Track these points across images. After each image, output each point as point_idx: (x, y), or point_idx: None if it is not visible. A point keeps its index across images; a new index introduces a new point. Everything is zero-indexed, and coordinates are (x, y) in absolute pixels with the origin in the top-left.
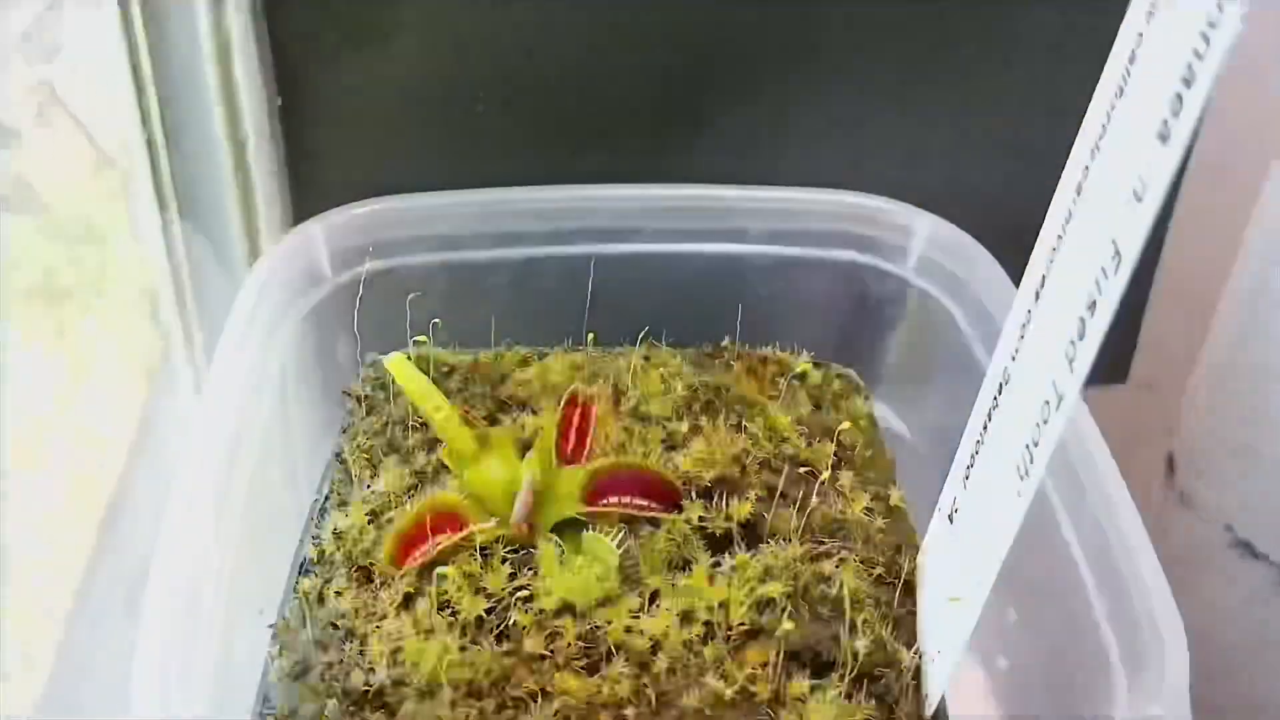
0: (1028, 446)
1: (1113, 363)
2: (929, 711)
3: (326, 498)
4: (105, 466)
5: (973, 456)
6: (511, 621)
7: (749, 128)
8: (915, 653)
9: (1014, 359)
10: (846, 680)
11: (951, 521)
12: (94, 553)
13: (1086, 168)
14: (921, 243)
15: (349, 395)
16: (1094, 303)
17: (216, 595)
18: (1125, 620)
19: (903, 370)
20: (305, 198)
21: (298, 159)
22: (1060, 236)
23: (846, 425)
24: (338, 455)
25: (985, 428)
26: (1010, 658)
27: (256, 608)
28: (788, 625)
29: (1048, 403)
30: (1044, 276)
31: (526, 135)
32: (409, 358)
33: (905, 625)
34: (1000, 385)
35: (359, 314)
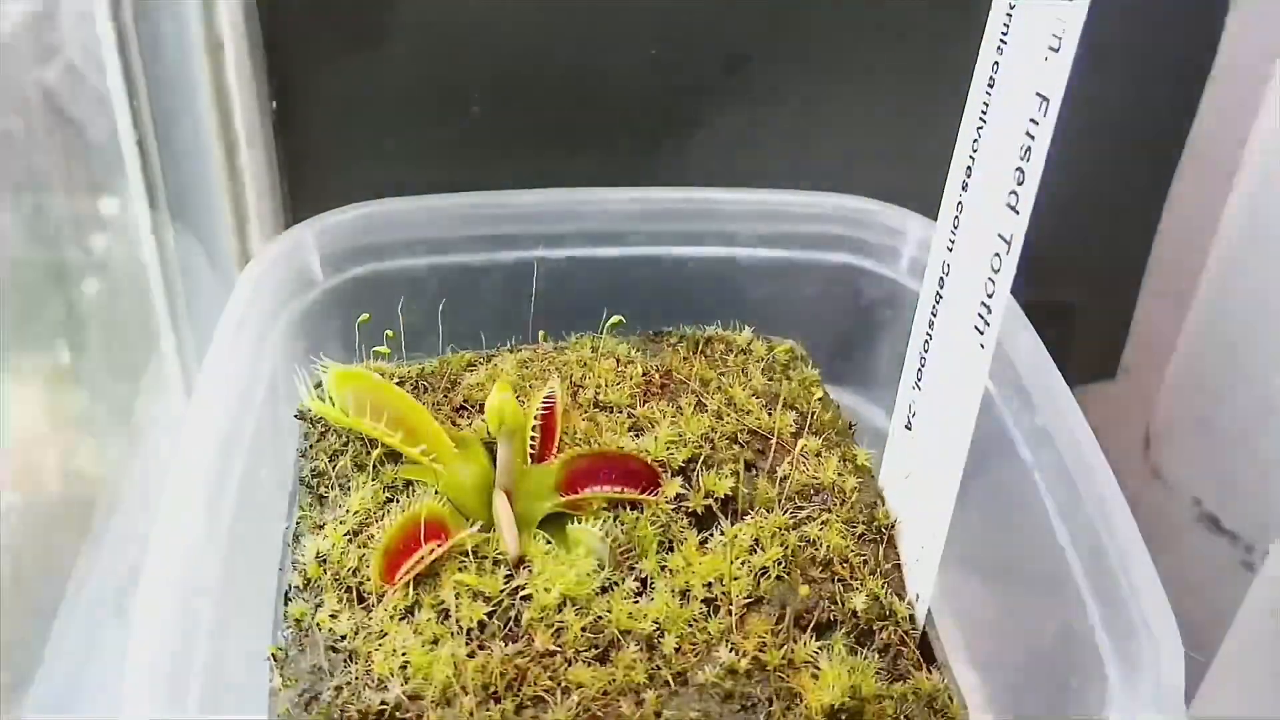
0: (983, 303)
1: (1101, 358)
2: (920, 615)
3: (298, 522)
4: (95, 467)
5: (922, 357)
6: (515, 621)
7: (742, 130)
8: (908, 603)
9: (950, 249)
10: (850, 637)
11: (910, 427)
12: (86, 555)
13: (1002, 37)
14: (914, 245)
15: (302, 418)
16: (1028, 149)
17: (208, 600)
18: (1120, 626)
19: (896, 372)
20: (300, 200)
21: (292, 161)
22: (984, 108)
23: (820, 395)
24: (301, 479)
25: (931, 324)
26: (1006, 663)
27: (249, 616)
28: (803, 590)
29: (997, 254)
30: (970, 158)
31: (520, 137)
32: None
33: (894, 578)
34: (940, 279)
35: (347, 319)
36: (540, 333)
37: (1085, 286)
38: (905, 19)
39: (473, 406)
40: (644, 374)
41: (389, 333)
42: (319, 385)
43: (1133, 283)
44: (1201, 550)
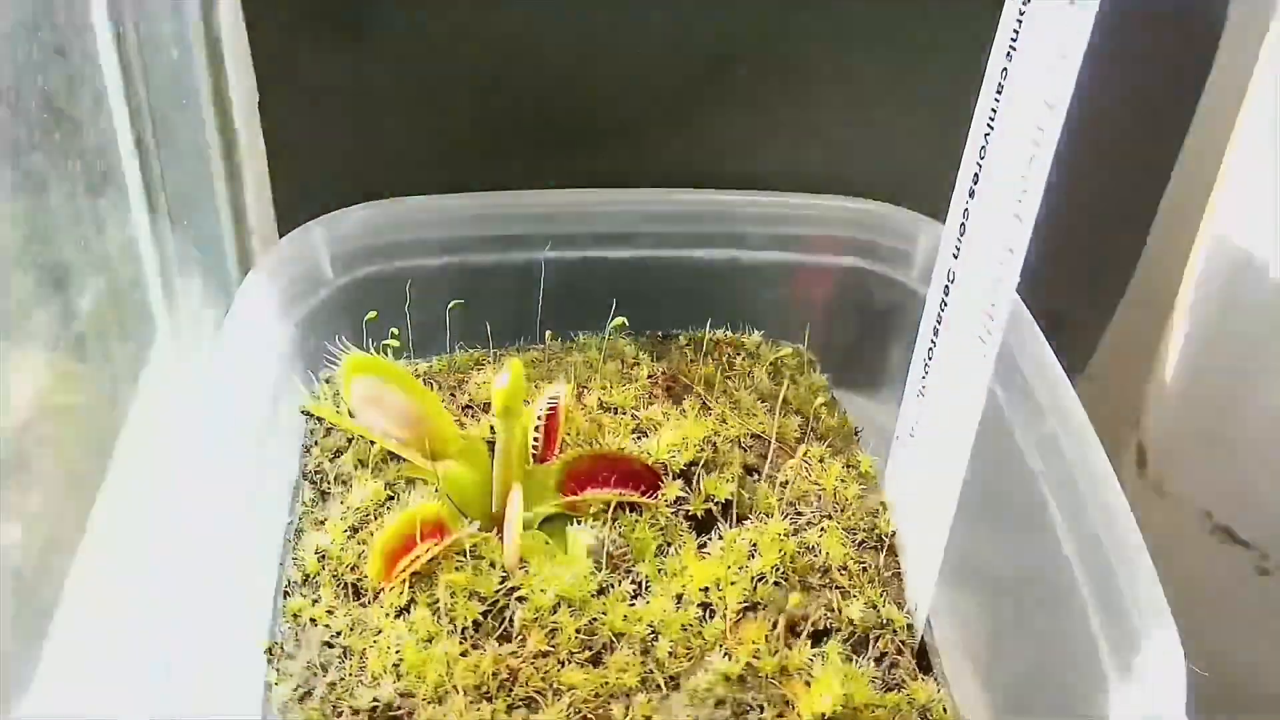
0: (986, 313)
1: (1075, 359)
2: (919, 624)
3: (301, 518)
4: (94, 468)
5: (926, 365)
6: (510, 621)
7: (745, 131)
8: (906, 612)
9: (956, 256)
10: (846, 645)
11: (913, 435)
12: (84, 554)
13: (1012, 43)
14: (925, 249)
15: (309, 415)
16: (1033, 157)
17: (208, 598)
18: (1123, 637)
19: (906, 378)
20: (286, 195)
21: (278, 156)
22: (993, 115)
23: (825, 400)
24: (305, 474)
25: (936, 332)
26: (1008, 672)
27: (248, 612)
28: (796, 597)
29: (1001, 263)
30: (978, 165)
31: (512, 136)
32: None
33: (893, 586)
34: (945, 287)
35: (357, 317)
36: (548, 333)
37: (1066, 294)
38: (898, 21)
39: (478, 406)
40: (649, 376)
41: (394, 330)
42: (328, 381)
43: (1114, 296)
44: (1215, 562)
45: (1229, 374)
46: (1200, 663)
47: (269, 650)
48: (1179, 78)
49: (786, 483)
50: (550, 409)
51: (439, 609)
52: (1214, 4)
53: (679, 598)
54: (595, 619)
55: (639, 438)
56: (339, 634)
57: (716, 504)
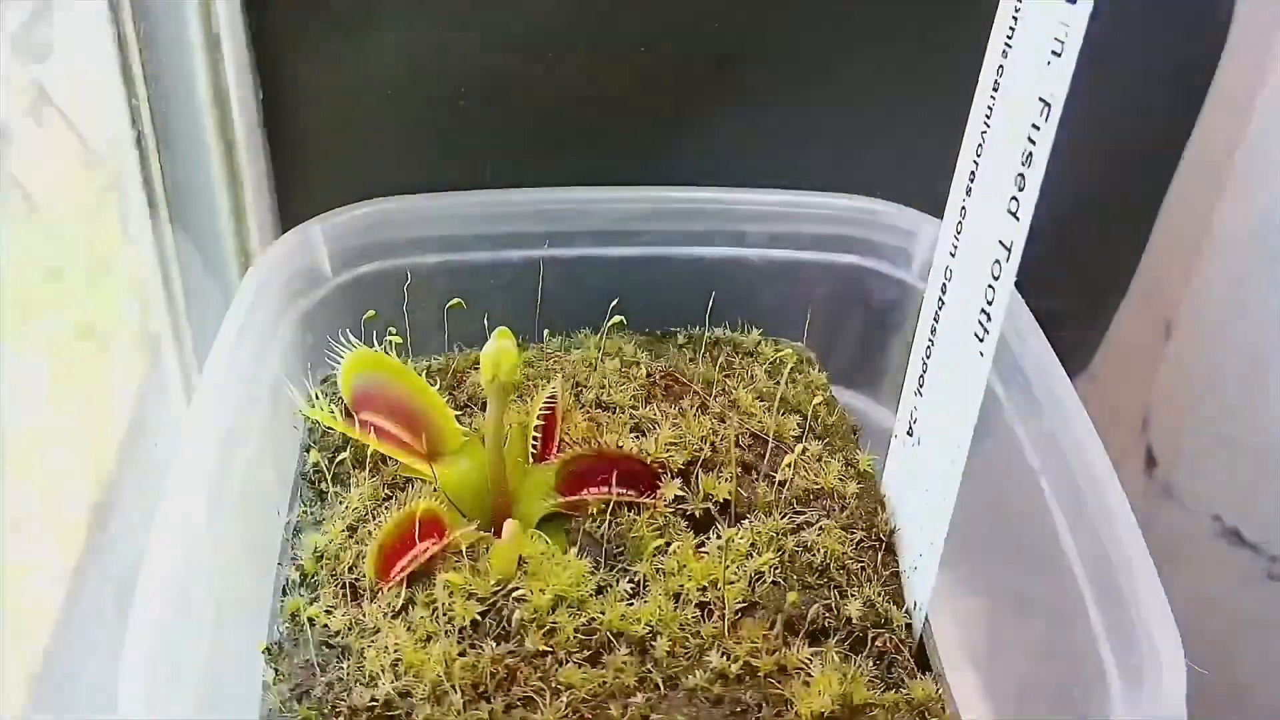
0: (983, 310)
1: (1077, 358)
2: (918, 623)
3: (299, 517)
4: (95, 468)
5: (924, 363)
6: (508, 621)
7: (745, 129)
8: (905, 611)
9: (953, 254)
10: (844, 644)
11: (911, 434)
12: (84, 554)
13: (1008, 40)
14: (925, 247)
15: (306, 417)
16: (1029, 154)
17: (207, 597)
18: (1124, 637)
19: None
20: (289, 194)
21: (281, 155)
22: (989, 112)
23: (824, 398)
24: (303, 474)
25: (934, 330)
26: (1009, 672)
27: (247, 612)
28: (794, 596)
29: (997, 261)
30: (975, 163)
31: (511, 133)
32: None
33: (892, 585)
34: (943, 285)
35: (356, 315)
36: (546, 331)
37: (1068, 293)
38: (896, 18)
39: (476, 404)
40: (648, 375)
41: (392, 329)
42: (325, 381)
43: (1116, 295)
44: (1223, 564)
45: (1237, 376)
46: (1208, 667)
47: (267, 650)
48: (1184, 76)
49: (785, 481)
50: (548, 408)
51: (437, 608)
52: (1221, 3)
53: (677, 597)
54: (593, 618)
55: (637, 436)
56: (337, 634)
57: (715, 503)
